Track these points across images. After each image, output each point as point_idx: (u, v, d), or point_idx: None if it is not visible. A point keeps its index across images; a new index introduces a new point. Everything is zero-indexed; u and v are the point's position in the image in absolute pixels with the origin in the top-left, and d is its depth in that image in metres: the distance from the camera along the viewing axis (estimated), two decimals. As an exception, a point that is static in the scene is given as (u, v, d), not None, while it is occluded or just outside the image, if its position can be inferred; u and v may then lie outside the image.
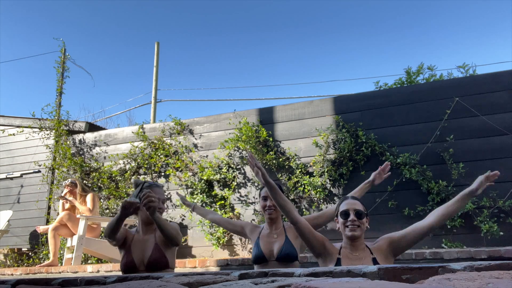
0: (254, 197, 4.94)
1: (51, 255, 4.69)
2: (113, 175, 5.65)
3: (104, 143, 6.02)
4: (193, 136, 5.51)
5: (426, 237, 2.06)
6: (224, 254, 4.87)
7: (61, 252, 5.30)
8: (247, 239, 3.79)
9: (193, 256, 4.99)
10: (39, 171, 6.34)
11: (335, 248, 2.04)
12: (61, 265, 4.85)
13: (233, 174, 5.08)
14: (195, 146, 5.45)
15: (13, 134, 6.63)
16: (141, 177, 5.56)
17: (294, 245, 2.43)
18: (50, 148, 6.22)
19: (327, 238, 2.09)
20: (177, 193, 3.11)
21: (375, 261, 1.94)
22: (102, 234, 4.92)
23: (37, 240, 5.95)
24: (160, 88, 11.28)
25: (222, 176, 5.08)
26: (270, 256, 2.41)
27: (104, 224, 4.80)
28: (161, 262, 2.08)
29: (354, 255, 1.97)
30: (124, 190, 5.51)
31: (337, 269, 0.92)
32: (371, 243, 2.05)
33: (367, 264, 1.91)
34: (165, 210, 2.42)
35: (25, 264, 5.69)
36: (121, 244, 2.23)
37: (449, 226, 4.01)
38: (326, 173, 4.60)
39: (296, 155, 4.84)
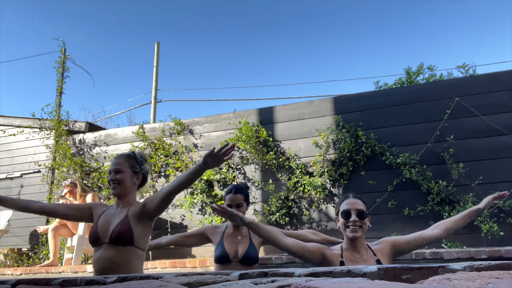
0: (254, 197, 4.94)
1: (51, 255, 4.70)
2: (113, 175, 5.64)
3: (104, 143, 6.02)
4: (193, 136, 5.51)
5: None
6: (224, 254, 4.87)
7: (61, 252, 5.30)
8: None
9: (193, 256, 4.99)
10: (39, 171, 6.34)
11: (335, 253, 1.98)
12: (61, 265, 4.85)
13: (233, 174, 5.08)
14: (195, 146, 5.45)
15: (14, 135, 6.63)
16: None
17: (257, 249, 2.48)
18: (50, 148, 6.22)
19: (322, 245, 2.03)
20: None
21: (379, 263, 1.91)
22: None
23: (37, 240, 5.95)
24: (160, 88, 11.27)
25: (222, 176, 5.08)
26: (234, 257, 2.41)
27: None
28: (125, 236, 1.95)
29: (357, 257, 1.93)
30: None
31: (337, 269, 0.92)
32: (371, 243, 2.02)
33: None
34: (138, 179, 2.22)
35: (25, 264, 5.69)
36: (90, 219, 2.18)
37: (449, 226, 4.01)
38: (326, 173, 4.60)
39: (296, 155, 4.84)
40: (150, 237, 2.16)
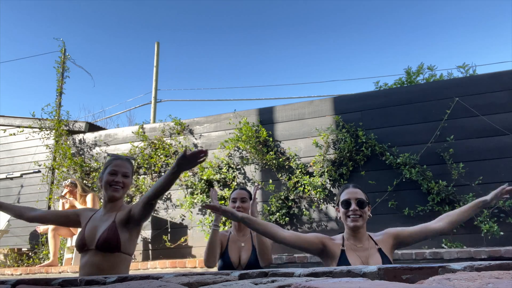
0: (254, 197, 4.93)
1: (51, 255, 4.70)
2: (113, 175, 5.64)
3: (104, 143, 6.02)
4: (193, 136, 5.51)
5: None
6: (224, 254, 4.87)
7: (61, 252, 5.30)
8: None
9: (193, 256, 4.99)
10: (39, 171, 6.34)
11: (336, 243, 1.97)
12: (61, 265, 4.85)
13: (233, 174, 5.08)
14: (195, 146, 5.45)
15: (14, 134, 6.63)
16: (140, 178, 5.56)
17: None
18: (50, 148, 6.22)
19: (323, 235, 2.01)
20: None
21: (381, 251, 1.92)
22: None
23: (37, 240, 5.95)
24: (160, 88, 11.27)
25: (222, 176, 5.08)
26: (237, 264, 2.38)
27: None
28: (112, 243, 1.94)
29: (358, 247, 1.93)
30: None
31: (337, 269, 0.92)
32: (374, 234, 2.02)
33: (373, 255, 1.91)
34: (132, 184, 2.24)
35: (25, 264, 5.69)
36: (76, 224, 2.16)
37: (449, 226, 4.01)
38: (326, 173, 4.60)
39: (296, 155, 4.84)
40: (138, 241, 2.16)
